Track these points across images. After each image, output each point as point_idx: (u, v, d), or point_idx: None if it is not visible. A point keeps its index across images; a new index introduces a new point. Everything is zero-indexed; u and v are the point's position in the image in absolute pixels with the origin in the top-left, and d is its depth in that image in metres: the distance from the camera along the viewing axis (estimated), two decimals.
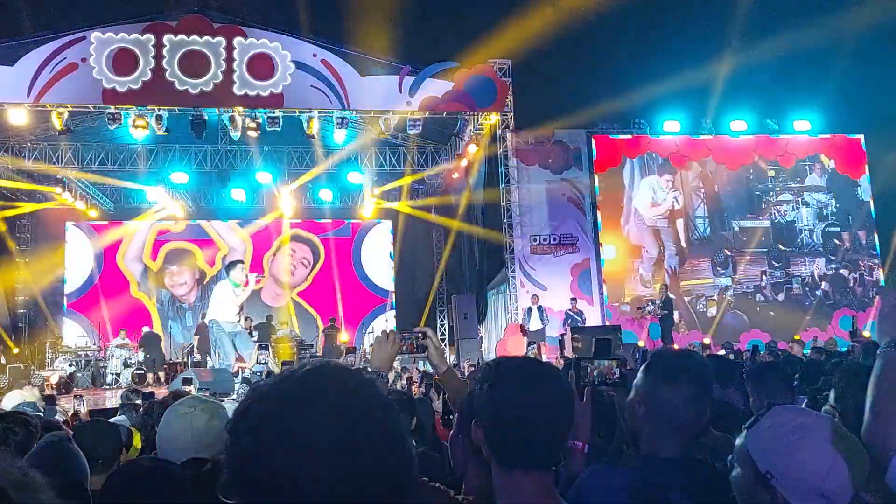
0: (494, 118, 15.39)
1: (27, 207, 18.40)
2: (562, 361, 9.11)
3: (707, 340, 14.54)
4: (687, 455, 1.88)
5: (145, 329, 17.08)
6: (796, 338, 13.38)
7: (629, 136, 16.59)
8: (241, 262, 13.31)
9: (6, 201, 17.85)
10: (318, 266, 21.20)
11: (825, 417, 1.58)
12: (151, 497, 1.80)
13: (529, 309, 14.57)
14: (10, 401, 6.67)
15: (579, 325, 14.19)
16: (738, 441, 1.60)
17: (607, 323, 14.93)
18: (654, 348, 12.52)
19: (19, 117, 13.71)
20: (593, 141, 16.29)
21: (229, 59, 14.00)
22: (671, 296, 14.75)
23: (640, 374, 1.96)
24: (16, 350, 16.51)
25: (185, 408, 2.28)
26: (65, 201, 18.41)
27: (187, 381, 9.26)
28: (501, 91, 15.04)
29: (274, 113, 14.38)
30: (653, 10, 17.40)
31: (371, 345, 18.88)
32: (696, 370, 1.90)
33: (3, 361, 15.04)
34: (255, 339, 15.90)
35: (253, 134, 14.78)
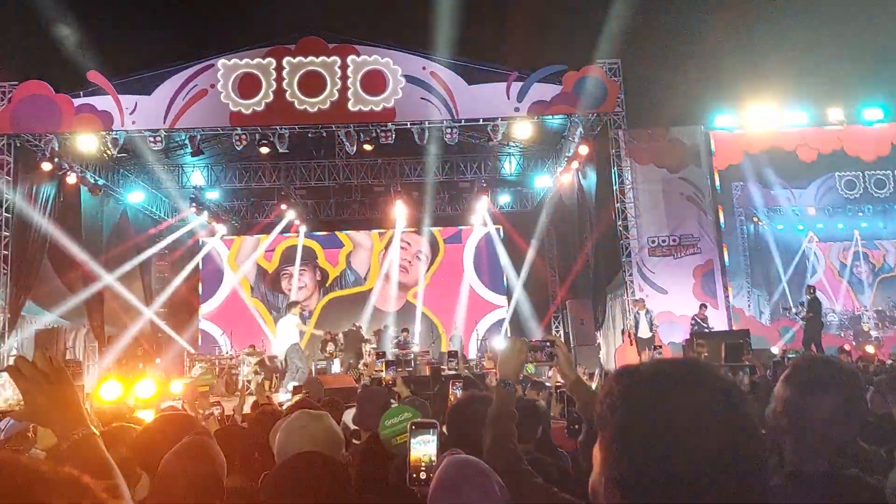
0: (605, 119, 15.10)
1: (165, 224, 19.77)
2: None
3: (847, 346, 13.50)
4: (835, 470, 1.76)
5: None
6: None
7: (751, 131, 15.79)
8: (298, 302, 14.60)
9: (146, 219, 19.28)
10: (437, 263, 21.25)
11: None
12: (324, 480, 1.94)
13: (637, 314, 14.11)
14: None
15: (705, 330, 13.57)
16: None
17: (734, 328, 14.23)
18: (785, 354, 11.82)
19: (157, 142, 14.77)
20: (711, 137, 15.64)
21: (344, 77, 14.53)
22: (820, 297, 13.76)
23: (780, 384, 1.85)
24: (158, 359, 17.72)
25: (300, 420, 2.46)
26: (198, 217, 19.70)
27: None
28: (612, 91, 14.73)
29: (387, 126, 14.77)
30: None
31: (483, 352, 18.94)
32: (843, 379, 1.78)
33: (148, 371, 16.17)
34: (342, 347, 16.41)
35: (368, 147, 15.27)
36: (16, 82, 14.39)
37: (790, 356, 10.38)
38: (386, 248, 21.19)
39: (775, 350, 12.82)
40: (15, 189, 14.47)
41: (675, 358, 1.10)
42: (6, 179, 14.45)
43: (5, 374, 1.51)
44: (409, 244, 21.27)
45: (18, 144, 14.69)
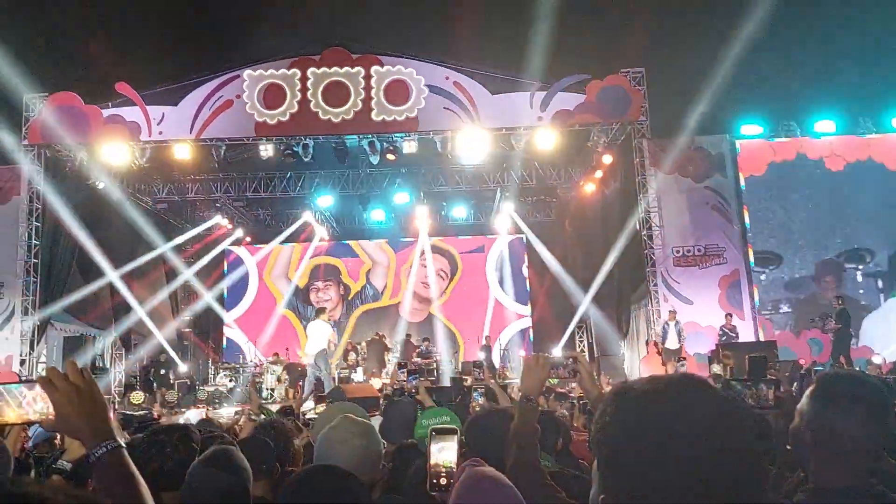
0: (629, 128, 15.03)
1: (190, 233, 20.02)
2: (710, 381, 8.66)
3: (878, 359, 13.20)
4: (861, 485, 1.73)
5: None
6: None
7: (777, 140, 15.60)
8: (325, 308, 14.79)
9: (172, 228, 19.54)
10: (456, 279, 21.44)
11: None
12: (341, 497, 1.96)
13: (665, 325, 13.97)
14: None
15: (732, 341, 13.39)
16: None
17: (761, 338, 14.03)
18: (812, 367, 11.63)
19: (183, 153, 14.98)
20: (737, 146, 15.46)
21: (367, 88, 14.63)
22: (848, 308, 13.45)
23: (805, 399, 1.82)
24: (183, 367, 17.90)
25: (341, 433, 2.44)
26: (223, 227, 19.95)
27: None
28: (635, 100, 14.67)
29: (409, 136, 14.85)
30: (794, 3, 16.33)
31: (505, 362, 18.89)
32: (870, 395, 1.75)
33: (172, 379, 16.35)
34: (364, 356, 16.49)
35: (391, 157, 15.36)
36: (47, 94, 14.68)
37: (818, 369, 10.21)
38: (412, 265, 21.40)
39: (802, 362, 12.60)
40: (45, 199, 14.74)
41: (672, 375, 1.10)
42: (37, 189, 14.73)
43: (37, 387, 1.52)
44: (430, 264, 21.51)
45: (49, 154, 14.98)
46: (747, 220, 15.19)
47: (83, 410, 1.51)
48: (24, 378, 13.59)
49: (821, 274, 15.12)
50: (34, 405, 1.53)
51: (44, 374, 1.56)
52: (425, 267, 21.31)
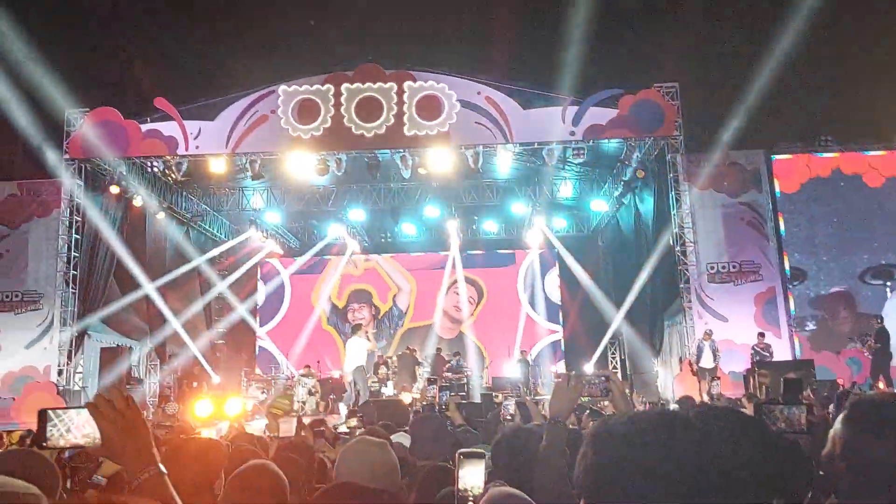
0: (663, 142, 14.91)
1: (225, 245, 20.30)
2: (744, 400, 8.51)
3: None
4: None
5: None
6: None
7: (815, 155, 15.33)
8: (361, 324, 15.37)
9: (207, 241, 19.85)
10: (482, 303, 21.56)
11: None
12: None
13: (701, 343, 13.74)
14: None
15: (766, 360, 13.13)
16: None
17: (798, 358, 13.74)
18: (852, 388, 11.35)
19: (219, 166, 15.25)
20: (773, 161, 15.22)
21: (400, 103, 14.74)
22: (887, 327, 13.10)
23: (838, 424, 1.78)
24: (216, 378, 18.10)
25: (358, 446, 2.61)
26: (257, 239, 20.19)
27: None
28: (669, 114, 14.55)
29: (441, 150, 14.89)
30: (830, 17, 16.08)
31: (535, 378, 18.75)
32: None
33: (206, 390, 16.54)
34: (395, 370, 16.62)
35: (422, 171, 15.44)
36: (87, 109, 15.07)
37: (857, 389, 9.95)
38: (440, 295, 21.54)
39: (841, 382, 12.30)
40: (85, 212, 15.08)
41: (651, 414, 1.09)
42: (77, 202, 15.09)
43: (85, 411, 1.60)
44: (460, 292, 21.60)
45: (89, 168, 15.34)
46: (783, 228, 14.93)
47: (126, 437, 1.56)
48: (61, 388, 13.87)
49: (834, 306, 14.72)
50: (82, 429, 1.59)
51: (92, 399, 1.62)
52: (458, 294, 21.43)
